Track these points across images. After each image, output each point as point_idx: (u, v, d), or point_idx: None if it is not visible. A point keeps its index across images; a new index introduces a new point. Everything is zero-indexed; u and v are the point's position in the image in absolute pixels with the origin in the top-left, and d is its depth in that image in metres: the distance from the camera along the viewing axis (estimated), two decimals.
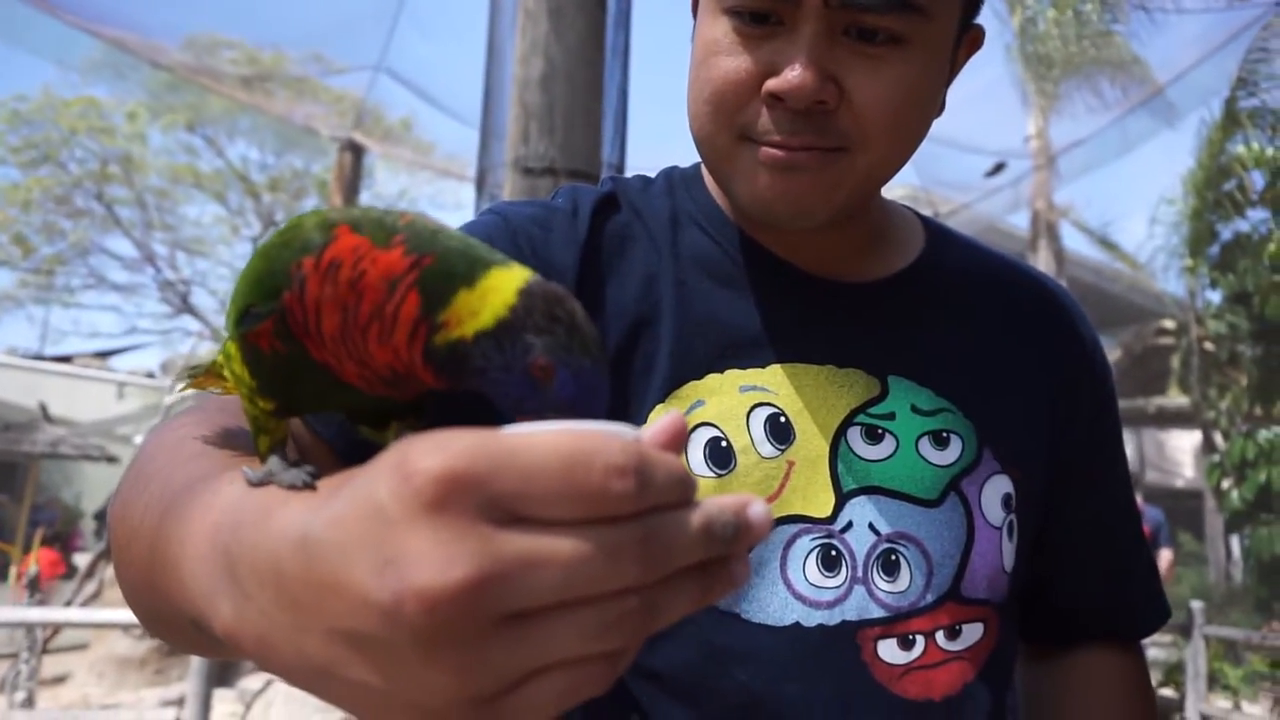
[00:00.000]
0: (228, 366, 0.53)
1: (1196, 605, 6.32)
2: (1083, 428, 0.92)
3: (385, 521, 0.33)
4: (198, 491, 0.49)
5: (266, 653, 0.38)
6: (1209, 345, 10.69)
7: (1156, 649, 7.26)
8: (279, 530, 0.37)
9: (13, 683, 5.74)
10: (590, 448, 0.33)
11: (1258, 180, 9.66)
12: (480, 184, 4.10)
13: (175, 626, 0.51)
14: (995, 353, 0.89)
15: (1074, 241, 14.73)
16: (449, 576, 0.32)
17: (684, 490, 0.35)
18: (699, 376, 0.80)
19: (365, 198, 14.56)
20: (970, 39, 0.84)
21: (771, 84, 0.73)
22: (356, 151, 12.35)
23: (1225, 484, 9.89)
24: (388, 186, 18.59)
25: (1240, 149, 9.64)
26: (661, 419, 0.38)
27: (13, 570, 10.21)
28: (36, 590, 6.97)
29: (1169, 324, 12.97)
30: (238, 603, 0.39)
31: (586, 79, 3.29)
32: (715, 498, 0.36)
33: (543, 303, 0.44)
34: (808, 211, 0.77)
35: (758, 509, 0.36)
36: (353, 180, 12.46)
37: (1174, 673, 7.01)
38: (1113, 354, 14.63)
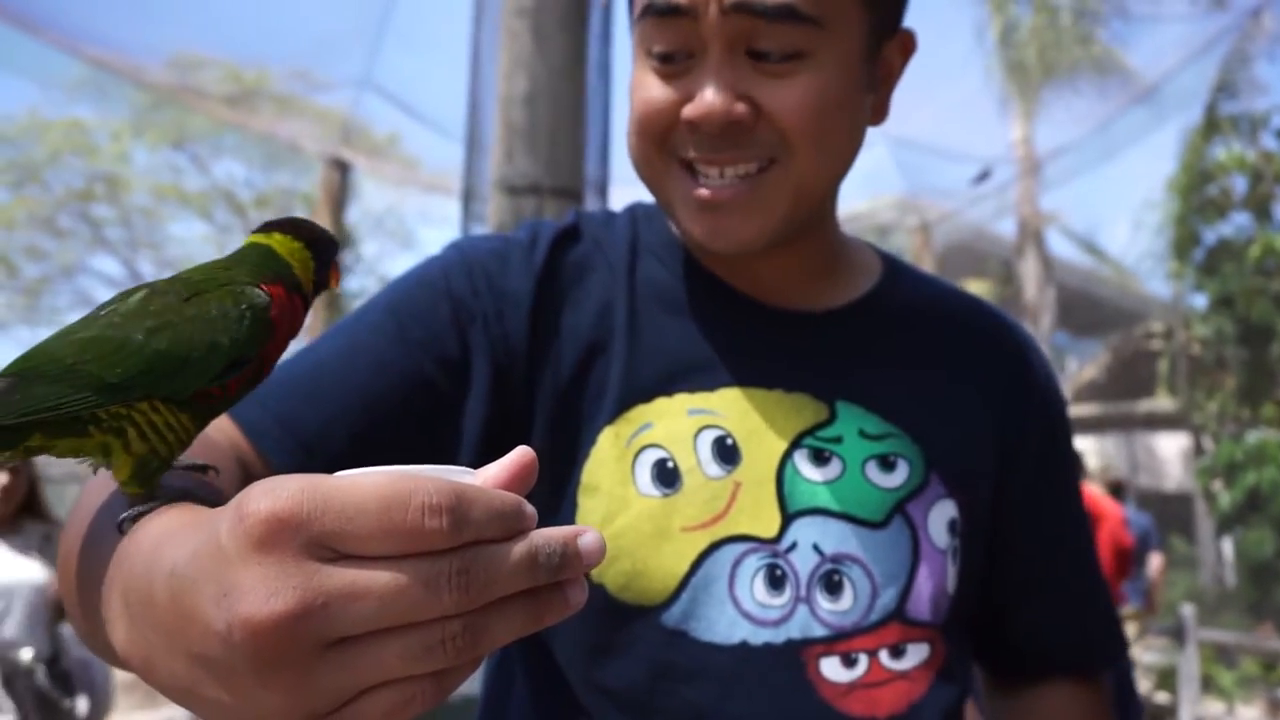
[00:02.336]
0: (141, 424, 0.54)
1: (1187, 610, 6.34)
2: (1030, 462, 0.93)
3: (224, 558, 0.37)
4: (109, 523, 0.54)
5: (150, 673, 0.43)
6: (1196, 349, 10.74)
7: (1149, 654, 7.27)
8: (161, 562, 0.42)
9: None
10: (407, 489, 0.36)
11: (1240, 184, 9.73)
12: (466, 202, 4.09)
13: (105, 647, 0.55)
14: (943, 384, 0.91)
15: (1060, 247, 14.81)
16: (271, 607, 0.35)
17: (508, 524, 0.38)
18: (648, 400, 0.83)
19: (353, 213, 14.52)
20: (900, 43, 0.86)
21: (686, 111, 0.78)
22: (343, 168, 12.33)
23: (1215, 487, 9.93)
24: (375, 202, 18.55)
25: (1222, 153, 9.71)
26: (505, 458, 0.41)
27: None
28: None
29: (1157, 328, 13.02)
30: (128, 627, 0.44)
31: (570, 97, 3.29)
32: (545, 529, 0.39)
33: (309, 233, 0.63)
34: (746, 242, 0.81)
35: (589, 538, 0.39)
36: (339, 197, 12.43)
37: (1167, 677, 7.01)
38: (1101, 358, 14.68)
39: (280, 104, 12.43)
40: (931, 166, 11.81)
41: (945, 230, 13.57)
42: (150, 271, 18.46)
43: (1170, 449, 13.27)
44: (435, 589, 0.36)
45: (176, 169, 18.01)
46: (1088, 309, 15.97)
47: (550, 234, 0.88)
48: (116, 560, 0.49)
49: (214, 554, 0.37)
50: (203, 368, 0.54)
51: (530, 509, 0.39)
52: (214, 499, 0.62)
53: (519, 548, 0.38)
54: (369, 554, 0.36)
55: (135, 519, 0.52)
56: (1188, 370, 10.84)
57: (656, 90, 0.79)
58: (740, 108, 0.76)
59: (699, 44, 0.77)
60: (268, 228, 0.64)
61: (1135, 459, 13.32)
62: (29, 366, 0.54)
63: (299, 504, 0.36)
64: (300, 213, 17.99)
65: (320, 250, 0.64)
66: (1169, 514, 11.28)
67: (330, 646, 0.37)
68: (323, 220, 12.24)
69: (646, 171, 0.84)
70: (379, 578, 0.36)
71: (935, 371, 0.91)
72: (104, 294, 18.74)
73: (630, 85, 0.83)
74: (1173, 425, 12.57)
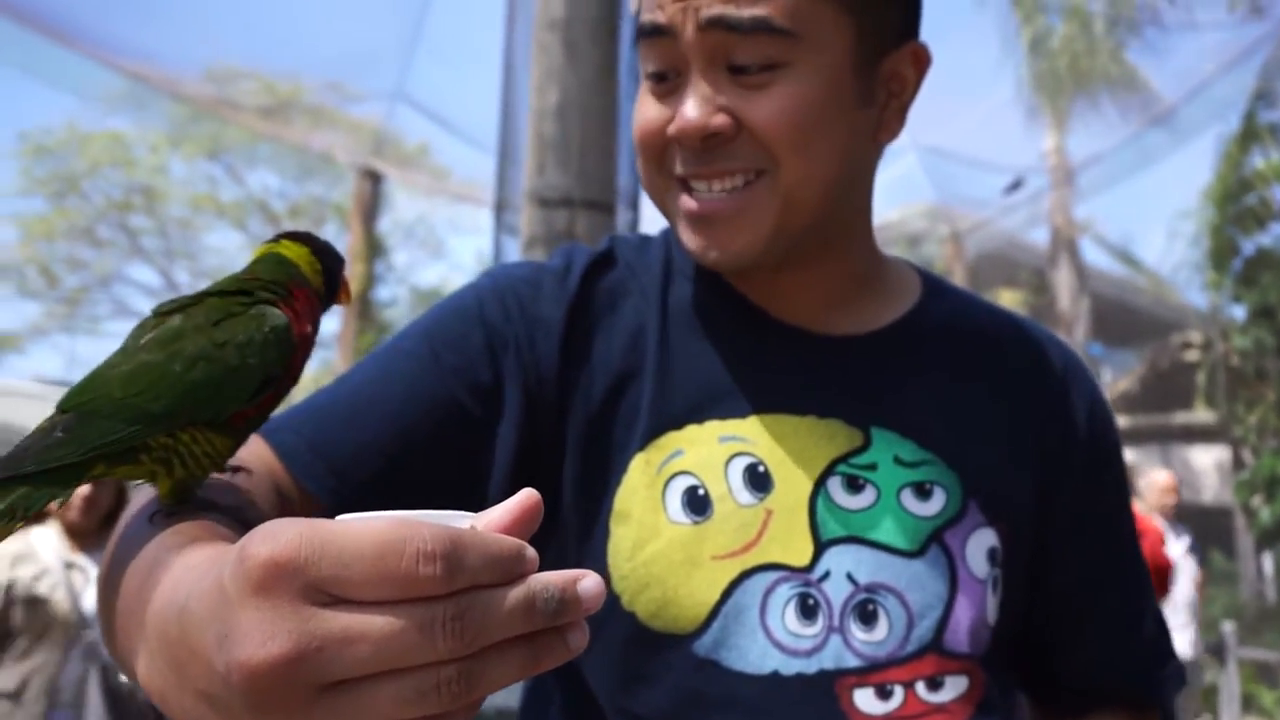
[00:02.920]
0: (185, 449, 0.60)
1: (1228, 627, 6.23)
2: (1076, 487, 0.91)
3: (225, 601, 0.38)
4: (144, 554, 0.57)
5: (165, 705, 0.45)
6: (1235, 360, 10.56)
7: (1189, 671, 7.13)
8: (175, 597, 0.43)
9: None
10: (402, 536, 0.37)
11: (1279, 194, 9.56)
12: (498, 213, 4.12)
13: (132, 672, 0.56)
14: (983, 408, 0.89)
15: (1095, 256, 14.65)
16: (267, 650, 0.36)
17: (506, 569, 0.38)
18: (679, 427, 0.82)
19: (384, 223, 14.67)
20: (912, 55, 0.84)
21: (670, 128, 0.79)
22: (375, 178, 12.47)
23: (1255, 502, 9.74)
24: (405, 212, 18.72)
25: (1260, 163, 9.56)
26: (509, 500, 0.41)
27: None
28: None
29: (1194, 339, 12.82)
30: (145, 659, 0.46)
31: (601, 110, 3.30)
32: (544, 574, 0.39)
33: (315, 242, 0.70)
34: (737, 253, 0.81)
35: (588, 583, 0.39)
36: (371, 206, 12.57)
37: (1208, 696, 6.89)
38: (1136, 369, 14.48)
39: (314, 115, 12.59)
40: (962, 176, 11.74)
41: (977, 239, 13.48)
42: (186, 281, 18.75)
43: (1208, 462, 13.05)
44: (430, 634, 0.36)
45: (212, 180, 18.30)
46: (1124, 319, 15.77)
47: (584, 261, 0.88)
48: (144, 592, 0.50)
49: (218, 596, 0.39)
50: (236, 392, 0.60)
51: (530, 553, 0.39)
52: (240, 507, 0.65)
53: (515, 593, 0.38)
54: (365, 599, 0.37)
55: (166, 515, 0.59)
56: (1226, 382, 10.66)
57: (650, 110, 0.81)
58: (719, 119, 0.77)
59: (684, 62, 0.78)
60: (276, 238, 0.70)
61: (1173, 473, 13.09)
62: (83, 402, 0.59)
63: (296, 550, 0.36)
64: (333, 223, 18.27)
65: (325, 259, 0.69)
66: (1207, 529, 11.08)
67: (326, 689, 0.37)
68: (355, 230, 12.39)
69: (651, 192, 0.85)
70: (374, 622, 0.36)
71: (975, 395, 0.89)
72: (141, 303, 19.01)
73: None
74: (1211, 438, 12.36)
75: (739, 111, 0.77)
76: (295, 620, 0.36)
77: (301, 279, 0.67)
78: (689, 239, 0.82)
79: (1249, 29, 8.71)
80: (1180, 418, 12.76)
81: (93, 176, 17.37)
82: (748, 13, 0.75)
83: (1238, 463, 11.04)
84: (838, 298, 0.89)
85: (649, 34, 0.79)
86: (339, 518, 0.39)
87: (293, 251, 0.68)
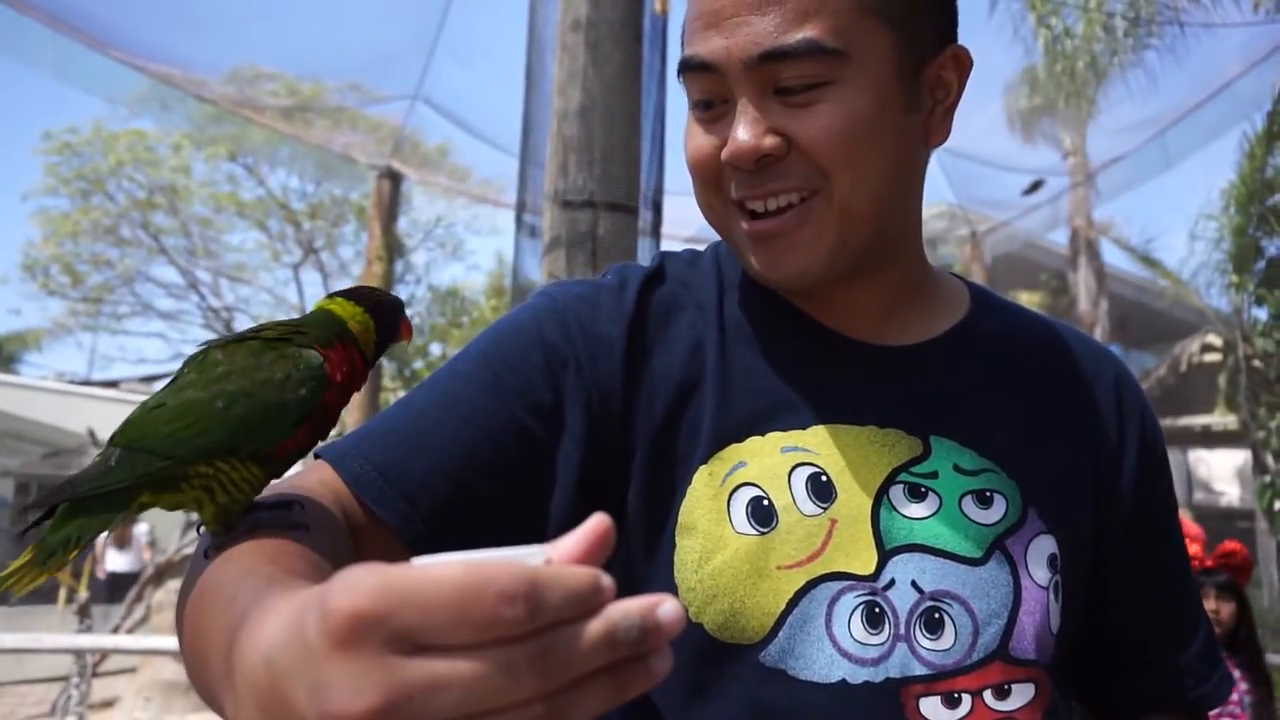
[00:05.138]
0: (229, 476, 0.65)
1: None
2: (1128, 496, 0.92)
3: (311, 654, 0.38)
4: (222, 593, 0.58)
5: None
6: (1257, 363, 10.47)
7: None
8: (259, 646, 0.43)
9: (63, 707, 5.85)
10: (483, 578, 0.37)
11: None
12: (520, 214, 4.15)
13: (213, 700, 0.57)
14: (1038, 417, 0.90)
15: (1115, 257, 14.54)
16: (357, 703, 0.37)
17: (585, 603, 0.38)
18: (741, 439, 0.83)
19: (403, 223, 14.74)
20: (954, 58, 0.85)
21: (723, 154, 0.81)
22: (394, 178, 12.54)
23: (1277, 505, 9.65)
24: (425, 212, 18.81)
25: None
26: (581, 527, 0.41)
27: (62, 594, 10.41)
28: (87, 616, 7.09)
29: (1214, 341, 12.72)
30: (233, 703, 0.46)
31: (624, 111, 3.31)
32: (622, 602, 0.39)
33: (366, 295, 0.75)
34: (801, 270, 0.83)
35: (667, 609, 0.39)
36: (390, 207, 12.64)
37: None
38: (1156, 372, 14.38)
39: (334, 116, 12.67)
40: (981, 176, 11.68)
41: (995, 240, 13.42)
42: (207, 280, 18.91)
43: (1228, 466, 12.94)
44: (514, 675, 0.37)
45: (234, 179, 18.45)
46: (1144, 321, 15.66)
47: (638, 277, 0.90)
48: (226, 636, 0.51)
49: (302, 648, 0.39)
50: (277, 426, 0.65)
51: (607, 581, 0.39)
52: (290, 526, 0.67)
53: (595, 625, 0.38)
54: (448, 644, 0.37)
55: (218, 549, 0.63)
56: (1249, 385, 10.57)
57: (700, 139, 0.83)
58: (770, 141, 0.79)
59: (730, 91, 0.80)
60: (332, 295, 0.75)
61: (1191, 476, 13.01)
62: (134, 438, 0.64)
63: (378, 600, 0.37)
64: (351, 224, 18.37)
65: (381, 312, 0.75)
66: (1227, 533, 10.99)
67: None
68: (374, 230, 12.48)
69: (710, 218, 0.86)
70: (460, 668, 0.37)
71: (1029, 404, 0.90)
72: (163, 301, 19.24)
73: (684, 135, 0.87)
74: (1231, 442, 12.26)
75: (789, 131, 0.78)
76: (383, 672, 0.37)
77: (347, 336, 0.72)
78: (753, 259, 0.83)
79: (1275, 28, 8.63)
80: (1200, 421, 12.66)
81: (117, 176, 17.55)
82: (797, 36, 0.76)
83: (1259, 467, 10.93)
84: (891, 308, 0.90)
85: (694, 69, 0.80)
86: (414, 561, 0.39)
87: (345, 310, 0.73)
